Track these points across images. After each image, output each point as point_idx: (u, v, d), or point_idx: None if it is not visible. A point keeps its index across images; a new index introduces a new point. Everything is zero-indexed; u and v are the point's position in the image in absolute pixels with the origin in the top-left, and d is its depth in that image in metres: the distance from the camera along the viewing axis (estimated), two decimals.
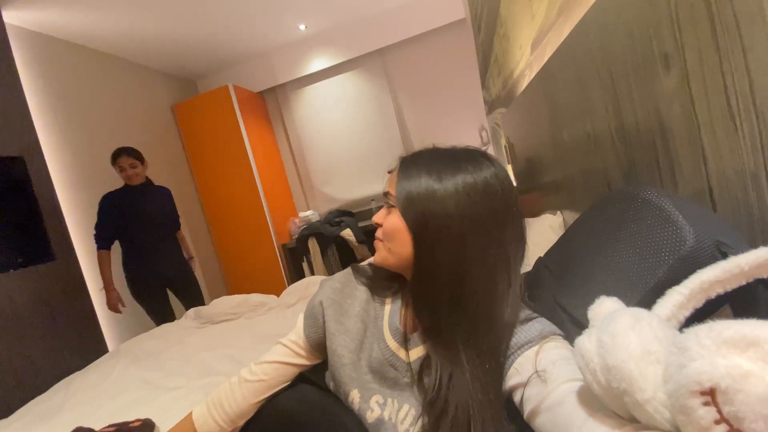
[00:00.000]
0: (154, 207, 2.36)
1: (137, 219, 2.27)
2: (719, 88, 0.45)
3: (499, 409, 0.49)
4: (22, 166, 2.11)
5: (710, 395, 0.25)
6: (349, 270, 0.74)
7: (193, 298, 2.51)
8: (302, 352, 0.70)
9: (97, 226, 2.23)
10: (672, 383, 0.27)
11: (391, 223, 0.60)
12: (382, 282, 0.68)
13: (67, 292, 2.22)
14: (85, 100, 2.72)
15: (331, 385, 0.68)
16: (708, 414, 0.24)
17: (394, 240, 0.60)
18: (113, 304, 2.25)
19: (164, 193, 2.48)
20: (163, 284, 2.40)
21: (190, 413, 0.71)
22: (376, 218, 0.64)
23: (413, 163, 0.61)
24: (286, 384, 0.71)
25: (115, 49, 3.01)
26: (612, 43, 0.68)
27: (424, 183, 0.58)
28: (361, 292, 0.69)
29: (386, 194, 0.63)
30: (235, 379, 0.71)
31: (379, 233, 0.63)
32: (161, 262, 2.37)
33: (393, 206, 0.61)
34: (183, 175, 3.58)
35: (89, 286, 2.36)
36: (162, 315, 2.33)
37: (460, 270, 0.54)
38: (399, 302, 0.66)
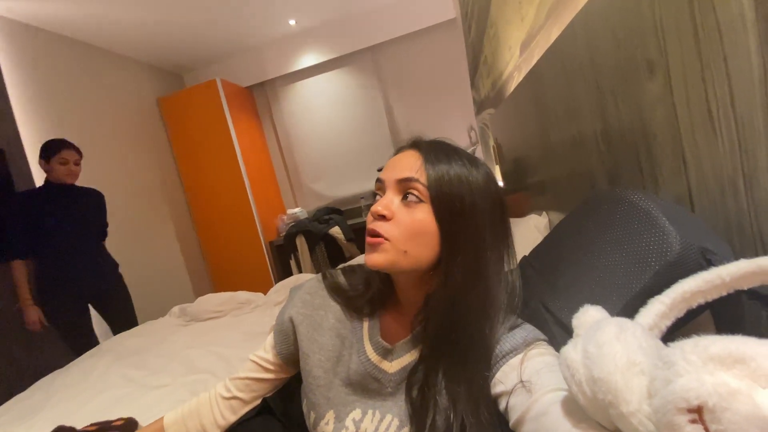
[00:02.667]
0: (83, 211, 2.06)
1: (61, 224, 1.94)
2: (701, 95, 0.46)
3: (486, 417, 0.48)
4: (2, 160, 2.06)
5: (697, 413, 0.25)
6: (319, 277, 0.69)
7: (122, 317, 2.17)
8: (272, 368, 0.67)
9: (10, 231, 1.86)
10: (658, 399, 0.27)
11: (419, 220, 0.51)
12: (360, 301, 0.63)
13: None
14: (68, 92, 2.66)
15: (304, 403, 0.64)
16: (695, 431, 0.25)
17: (416, 240, 0.52)
18: (33, 322, 1.90)
19: (95, 196, 2.17)
20: (84, 303, 2.08)
21: (161, 418, 0.69)
22: (383, 208, 0.52)
23: (439, 148, 0.54)
24: (261, 398, 0.68)
25: (100, 40, 2.94)
26: (598, 47, 0.69)
27: (458, 169, 0.52)
28: (335, 301, 0.65)
29: (405, 181, 0.52)
30: (214, 394, 0.69)
31: (386, 230, 0.52)
32: (85, 277, 2.03)
33: (418, 198, 0.52)
34: (168, 169, 3.52)
35: None
36: (82, 340, 1.97)
37: (481, 274, 0.52)
38: (377, 317, 0.62)
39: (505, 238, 0.55)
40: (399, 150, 0.60)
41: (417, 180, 0.52)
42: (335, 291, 0.66)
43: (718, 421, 0.24)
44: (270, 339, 0.67)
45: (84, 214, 2.06)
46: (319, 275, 0.69)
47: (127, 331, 1.83)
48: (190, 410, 0.68)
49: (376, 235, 0.53)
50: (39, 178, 2.30)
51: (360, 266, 0.69)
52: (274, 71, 3.85)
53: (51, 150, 1.91)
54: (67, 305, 1.99)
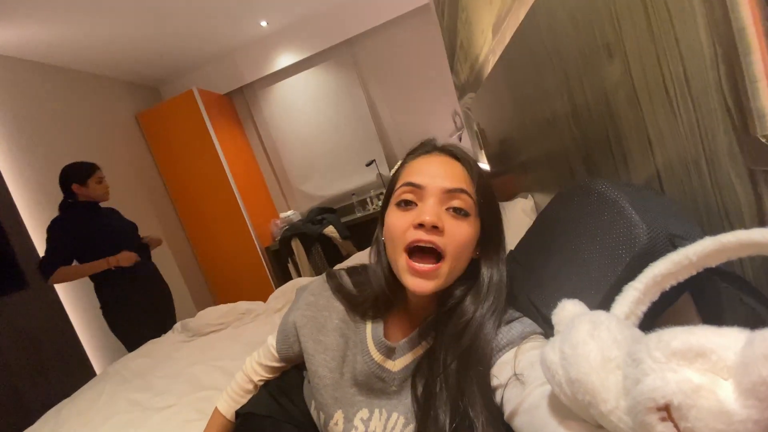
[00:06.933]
0: (121, 223, 2.14)
1: (112, 236, 2.02)
2: (657, 77, 0.46)
3: (490, 411, 0.48)
4: None
5: (666, 410, 0.25)
6: (324, 278, 0.69)
7: (170, 321, 2.22)
8: (278, 365, 0.73)
9: (51, 251, 1.86)
10: (630, 398, 0.27)
11: (468, 234, 0.51)
12: (365, 305, 0.63)
13: (46, 317, 2.17)
14: (44, 118, 2.61)
15: (312, 405, 0.65)
16: (666, 430, 0.25)
17: (462, 255, 0.52)
18: (128, 258, 1.97)
19: (116, 212, 2.20)
20: (144, 309, 2.11)
21: (215, 411, 0.75)
22: (437, 219, 0.49)
23: (467, 154, 0.56)
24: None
25: (72, 62, 2.89)
26: (560, 31, 0.68)
27: (484, 174, 0.55)
28: (339, 302, 0.66)
29: (456, 192, 0.51)
30: (242, 377, 0.76)
31: (444, 243, 0.50)
32: (148, 281, 2.16)
33: (465, 211, 0.51)
34: (155, 185, 3.49)
35: (68, 309, 2.31)
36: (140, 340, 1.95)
37: (502, 272, 0.55)
38: (381, 318, 0.62)
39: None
40: (422, 151, 0.58)
41: (467, 192, 0.51)
42: (340, 293, 0.66)
43: (686, 418, 0.24)
44: (271, 342, 0.72)
45: (122, 225, 2.12)
46: (324, 275, 0.70)
47: (132, 353, 1.83)
48: (235, 392, 0.75)
49: (431, 252, 0.50)
50: (23, 207, 2.28)
51: (364, 267, 0.69)
52: (250, 75, 3.80)
53: (86, 172, 1.93)
54: (130, 314, 2.03)
